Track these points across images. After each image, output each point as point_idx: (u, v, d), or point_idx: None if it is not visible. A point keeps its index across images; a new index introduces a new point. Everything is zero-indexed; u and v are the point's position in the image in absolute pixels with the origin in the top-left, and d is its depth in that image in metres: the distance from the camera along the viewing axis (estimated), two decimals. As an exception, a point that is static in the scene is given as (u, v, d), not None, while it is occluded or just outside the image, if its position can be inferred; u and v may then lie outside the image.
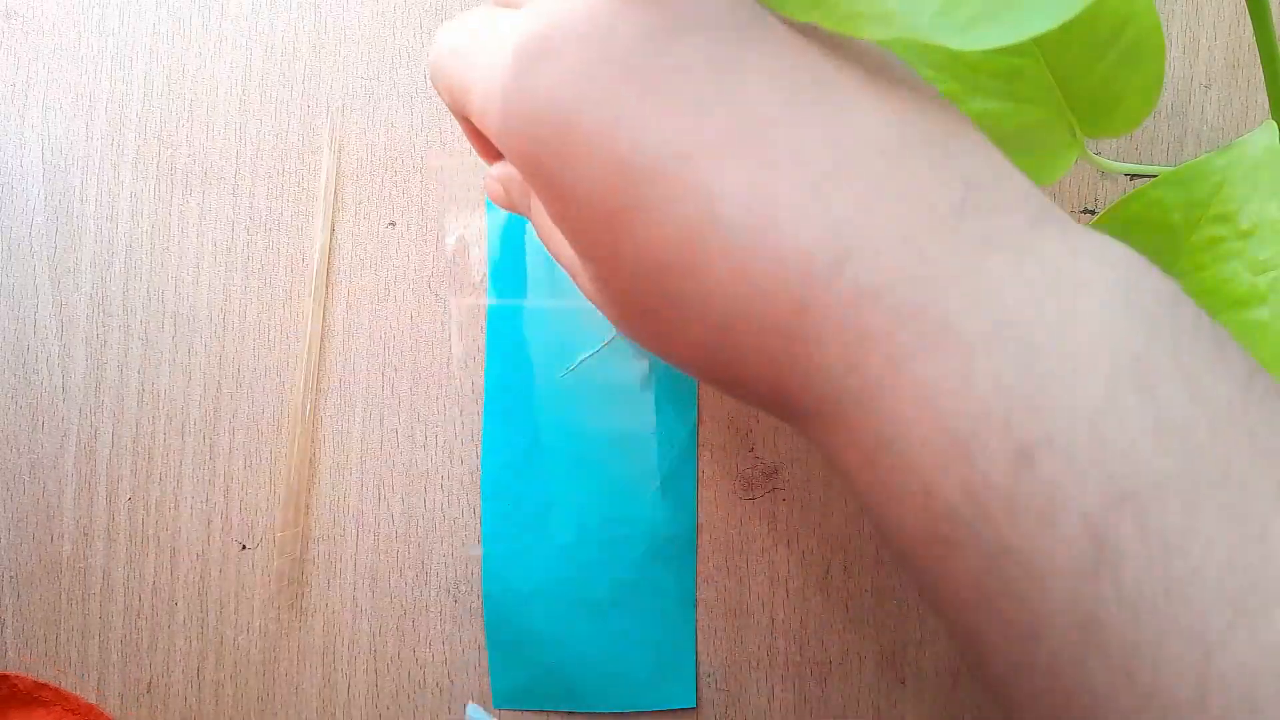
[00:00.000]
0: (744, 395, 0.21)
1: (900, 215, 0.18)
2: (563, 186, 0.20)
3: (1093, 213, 0.33)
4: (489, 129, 0.21)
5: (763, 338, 0.19)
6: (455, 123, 0.33)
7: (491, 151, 0.27)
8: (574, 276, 0.24)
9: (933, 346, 0.17)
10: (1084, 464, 0.16)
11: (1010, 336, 0.17)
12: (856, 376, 0.18)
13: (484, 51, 0.21)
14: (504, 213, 0.32)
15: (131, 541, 0.32)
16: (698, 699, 0.32)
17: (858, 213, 0.18)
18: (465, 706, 0.32)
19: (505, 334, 0.32)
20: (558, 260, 0.26)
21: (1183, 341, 0.17)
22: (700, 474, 0.32)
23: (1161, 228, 0.27)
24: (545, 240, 0.26)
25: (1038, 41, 0.27)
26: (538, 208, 0.25)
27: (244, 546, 0.32)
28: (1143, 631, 0.16)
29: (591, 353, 0.32)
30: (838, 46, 0.20)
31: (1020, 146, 0.29)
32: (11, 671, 0.32)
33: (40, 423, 0.32)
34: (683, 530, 0.32)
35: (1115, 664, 0.16)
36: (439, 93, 0.25)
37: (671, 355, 0.22)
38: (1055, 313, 0.17)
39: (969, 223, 0.18)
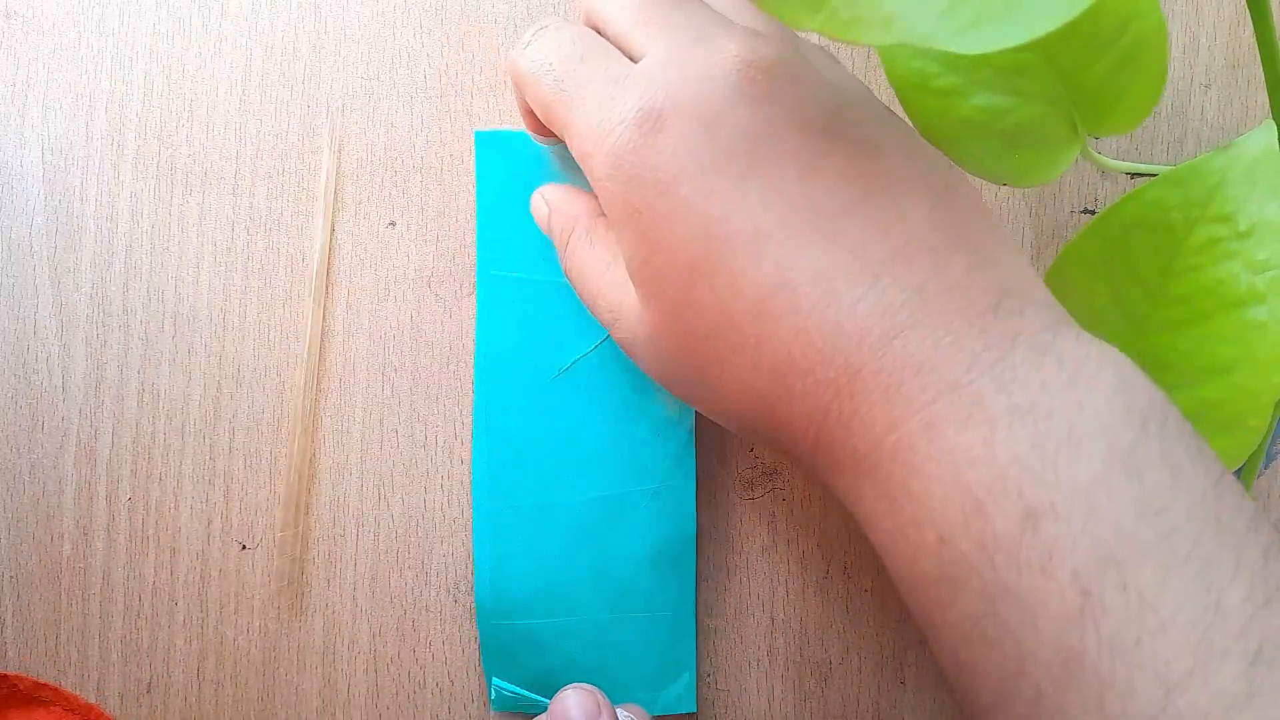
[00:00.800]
0: (782, 442, 0.24)
1: (943, 308, 0.21)
2: (653, 238, 0.23)
3: (1092, 212, 0.33)
4: (588, 170, 0.25)
5: (814, 391, 0.22)
6: (455, 123, 0.33)
7: (543, 130, 0.29)
8: (612, 322, 0.27)
9: (964, 418, 0.20)
10: (1079, 529, 0.19)
11: (1028, 419, 0.20)
12: (894, 435, 0.21)
13: (592, 100, 0.24)
14: (495, 192, 0.32)
15: (131, 541, 0.32)
16: (697, 702, 0.32)
17: (908, 300, 0.21)
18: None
19: (497, 323, 0.32)
20: (592, 308, 0.27)
21: (1169, 440, 0.20)
22: (700, 474, 0.32)
23: (1160, 228, 0.27)
24: (579, 282, 0.28)
25: (1041, 38, 0.27)
26: (574, 248, 0.28)
27: (244, 546, 0.32)
28: (1116, 670, 0.19)
29: (585, 353, 0.32)
30: (907, 155, 0.23)
31: (1022, 141, 0.29)
32: (11, 671, 0.32)
33: (40, 423, 0.32)
34: (681, 533, 0.31)
35: (1090, 696, 0.19)
36: (521, 97, 0.28)
37: (717, 402, 0.25)
38: (1066, 404, 0.20)
39: (1001, 321, 0.21)
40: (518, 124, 0.33)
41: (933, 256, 0.22)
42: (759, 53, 0.23)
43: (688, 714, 0.32)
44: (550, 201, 0.29)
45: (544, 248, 0.32)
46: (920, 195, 0.23)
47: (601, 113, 0.24)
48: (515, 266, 0.32)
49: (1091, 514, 0.19)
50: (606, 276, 0.26)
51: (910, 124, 0.26)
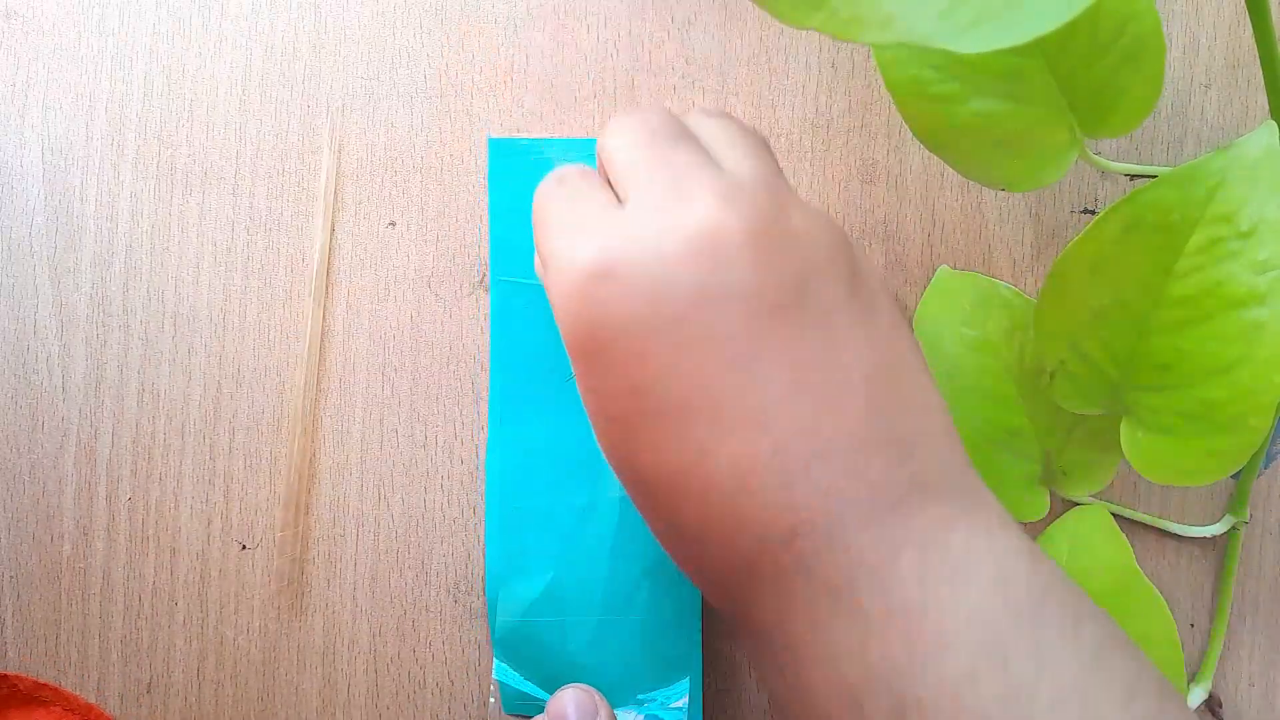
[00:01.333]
0: (703, 592, 0.26)
1: (847, 510, 0.22)
2: (590, 381, 0.24)
3: (1092, 213, 0.33)
4: (548, 292, 0.25)
5: (719, 568, 0.24)
6: (455, 123, 0.33)
7: None
8: None
9: (843, 621, 0.22)
10: None
11: (902, 619, 0.21)
12: (783, 629, 0.23)
13: (561, 239, 0.24)
14: (507, 198, 0.32)
15: (131, 541, 0.32)
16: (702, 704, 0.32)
17: (813, 500, 0.22)
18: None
19: (510, 327, 0.32)
20: None
21: (1044, 626, 0.21)
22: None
23: (1160, 228, 0.27)
24: None
25: (1039, 41, 0.27)
26: None
27: (244, 546, 0.32)
28: None
29: None
30: (857, 333, 0.23)
31: (1020, 147, 0.29)
32: (11, 671, 0.32)
33: (40, 423, 0.32)
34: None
35: None
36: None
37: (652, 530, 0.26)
38: (941, 600, 0.21)
39: (898, 518, 0.22)
40: (520, 124, 0.33)
41: (852, 457, 0.22)
42: (726, 220, 0.23)
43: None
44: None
45: None
46: (858, 384, 0.23)
47: (563, 253, 0.24)
48: (527, 272, 0.32)
49: (958, 708, 0.20)
50: None
51: (880, 278, 0.26)
